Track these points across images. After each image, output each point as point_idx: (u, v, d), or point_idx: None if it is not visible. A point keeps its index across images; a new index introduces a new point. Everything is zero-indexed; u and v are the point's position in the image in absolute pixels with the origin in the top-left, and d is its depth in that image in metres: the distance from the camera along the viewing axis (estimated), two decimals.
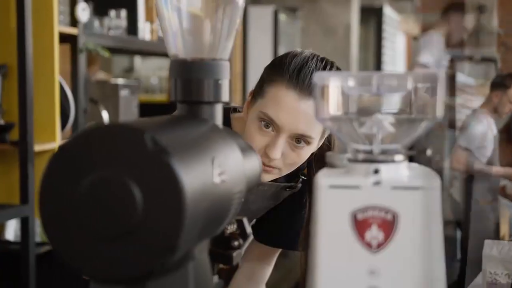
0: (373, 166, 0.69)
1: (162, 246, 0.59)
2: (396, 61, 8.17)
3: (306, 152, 1.26)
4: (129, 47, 3.15)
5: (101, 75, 4.07)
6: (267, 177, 1.28)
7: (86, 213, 0.61)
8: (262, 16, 5.06)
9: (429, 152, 4.53)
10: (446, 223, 4.77)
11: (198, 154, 0.67)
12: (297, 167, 1.31)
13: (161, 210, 0.60)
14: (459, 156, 4.19)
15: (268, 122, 1.23)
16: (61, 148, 0.63)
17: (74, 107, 2.58)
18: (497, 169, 4.28)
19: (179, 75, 0.80)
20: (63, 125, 2.55)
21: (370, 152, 0.71)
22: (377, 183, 0.68)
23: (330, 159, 0.78)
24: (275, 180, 1.34)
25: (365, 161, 0.70)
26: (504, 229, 4.37)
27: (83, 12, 2.59)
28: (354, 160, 0.71)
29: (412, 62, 4.32)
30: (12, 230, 2.54)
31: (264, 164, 1.23)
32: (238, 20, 0.83)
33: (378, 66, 7.19)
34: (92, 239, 0.61)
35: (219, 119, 0.81)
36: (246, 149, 0.86)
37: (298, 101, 1.21)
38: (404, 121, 0.71)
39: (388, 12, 7.27)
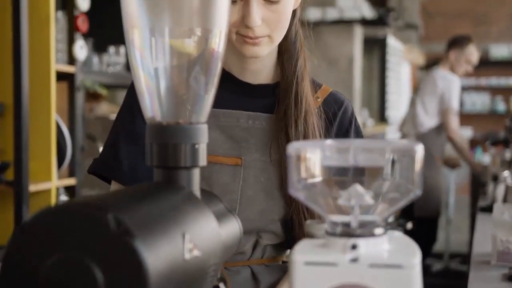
0: (351, 241, 0.66)
1: None
2: (401, 91, 8.16)
3: (286, 5, 1.16)
4: (128, 84, 3.14)
5: (104, 107, 4.06)
6: (260, 50, 1.18)
7: None
8: None
9: None
10: None
11: (167, 231, 0.64)
12: None
13: None
14: (455, 121, 4.29)
15: None
16: (23, 227, 0.60)
17: (71, 145, 2.56)
18: (466, 153, 4.46)
19: (155, 140, 0.77)
20: (60, 164, 2.53)
21: (348, 224, 0.68)
22: (354, 260, 0.65)
23: (308, 229, 0.75)
24: None
25: (343, 235, 0.67)
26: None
27: (81, 50, 2.59)
28: (332, 234, 0.68)
29: (442, 107, 4.31)
30: None
31: (249, 37, 1.15)
32: (216, 80, 0.81)
33: (382, 96, 7.17)
34: None
35: (196, 184, 0.79)
36: (225, 213, 0.84)
37: None
38: (383, 194, 0.68)
39: (392, 42, 7.27)
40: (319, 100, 1.27)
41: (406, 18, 9.41)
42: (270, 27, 1.15)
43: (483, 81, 10.05)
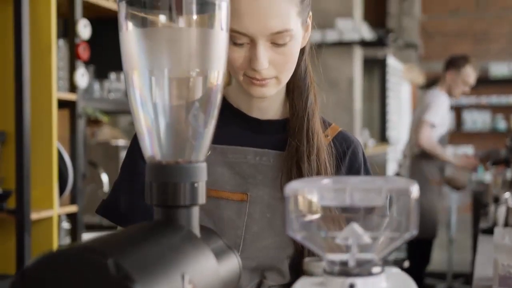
0: (349, 280, 0.67)
1: None
2: (401, 110, 8.19)
3: (293, 47, 1.15)
4: (128, 109, 3.16)
5: (106, 131, 4.08)
6: (268, 91, 1.17)
7: None
8: None
9: None
10: None
11: (166, 273, 0.65)
12: None
13: None
14: (427, 131, 4.23)
15: (237, 37, 1.11)
16: (23, 272, 0.61)
17: (73, 172, 2.57)
18: (446, 156, 4.37)
19: (155, 179, 0.78)
20: (62, 191, 2.54)
21: (346, 263, 0.69)
22: None
23: (307, 267, 0.76)
24: None
25: (340, 274, 0.68)
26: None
27: (82, 77, 2.61)
28: (330, 273, 0.69)
29: (417, 118, 4.36)
30: None
31: (256, 79, 1.14)
32: (214, 121, 0.82)
33: (383, 116, 7.19)
34: None
35: (195, 222, 0.79)
36: (224, 250, 0.84)
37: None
38: (380, 234, 0.69)
39: (392, 62, 7.31)
40: (328, 138, 1.27)
41: (405, 38, 9.46)
42: (277, 69, 1.15)
43: (484, 99, 10.07)
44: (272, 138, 1.26)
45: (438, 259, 6.45)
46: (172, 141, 0.80)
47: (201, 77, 0.80)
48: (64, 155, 2.54)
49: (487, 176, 6.09)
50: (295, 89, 1.26)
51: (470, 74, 4.34)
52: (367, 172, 1.28)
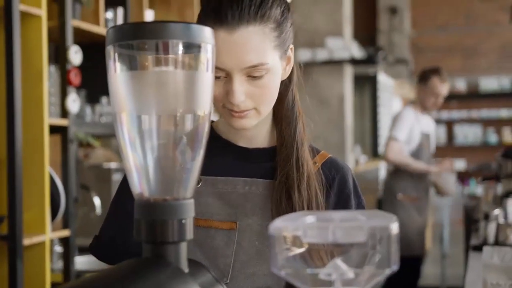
0: None
1: None
2: None
3: (271, 79, 1.16)
4: None
5: (100, 152, 4.09)
6: (248, 122, 1.19)
7: None
8: None
9: None
10: None
11: None
12: None
13: None
14: (393, 146, 4.20)
15: (217, 73, 1.14)
16: None
17: (65, 197, 2.59)
18: (418, 165, 4.29)
19: (143, 216, 0.81)
20: (54, 216, 2.56)
21: None
22: None
23: None
24: None
25: None
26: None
27: (74, 103, 2.63)
28: None
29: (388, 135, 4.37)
30: None
31: (235, 111, 1.16)
32: (200, 158, 0.84)
33: (374, 131, 7.23)
34: None
35: (183, 258, 0.81)
36: (212, 284, 0.86)
37: (229, 34, 1.12)
38: (363, 269, 0.71)
39: (383, 78, 7.37)
40: (316, 165, 1.28)
41: (396, 54, 9.54)
42: (255, 101, 1.17)
43: (475, 113, 10.14)
44: (261, 167, 1.27)
45: (431, 274, 6.46)
46: (160, 179, 0.82)
47: (188, 116, 0.82)
48: (56, 180, 2.55)
49: (479, 189, 6.12)
50: (284, 119, 1.27)
51: (437, 85, 4.25)
52: (358, 198, 1.30)
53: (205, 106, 0.82)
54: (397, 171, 4.31)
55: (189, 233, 0.81)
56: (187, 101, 0.82)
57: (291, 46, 1.24)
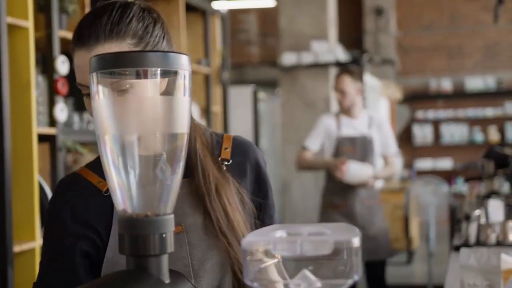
0: None
1: None
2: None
3: (139, 94, 1.12)
4: None
5: (89, 158, 4.13)
6: None
7: None
8: (242, 95, 5.21)
9: None
10: None
11: None
12: None
13: None
14: (299, 154, 4.08)
15: (84, 90, 1.20)
16: None
17: None
18: (319, 159, 4.12)
19: (126, 231, 0.87)
20: (43, 223, 2.61)
21: None
22: None
23: None
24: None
25: None
26: None
27: (61, 112, 2.68)
28: None
29: None
30: None
31: None
32: (179, 176, 0.90)
33: None
34: None
35: (165, 269, 0.88)
36: None
37: (88, 53, 1.18)
38: (329, 280, 0.78)
39: (369, 80, 7.44)
40: (227, 150, 1.33)
41: (382, 54, 9.63)
42: None
43: (461, 112, 10.25)
44: None
45: (418, 272, 6.55)
46: (142, 196, 0.88)
47: (167, 136, 0.89)
48: (45, 188, 2.60)
49: (465, 188, 6.19)
50: None
51: (339, 81, 4.06)
52: (264, 178, 1.37)
53: (183, 126, 0.89)
54: (325, 182, 4.19)
55: (170, 246, 0.87)
56: (166, 123, 0.88)
57: None
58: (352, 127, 4.11)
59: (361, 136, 4.06)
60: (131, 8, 1.22)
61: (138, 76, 0.87)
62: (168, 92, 0.89)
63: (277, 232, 0.80)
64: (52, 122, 2.69)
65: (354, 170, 3.97)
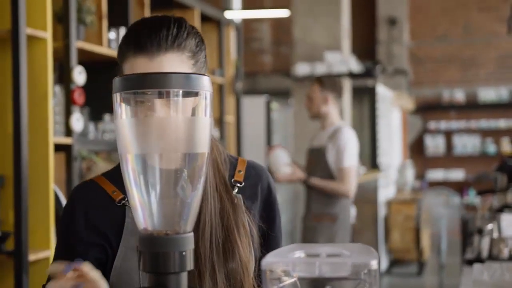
0: None
1: None
2: (392, 137, 8.30)
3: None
4: None
5: (102, 165, 4.15)
6: None
7: None
8: (255, 105, 5.22)
9: None
10: None
11: None
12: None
13: None
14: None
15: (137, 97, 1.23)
16: None
17: None
18: (315, 180, 3.97)
19: (147, 249, 0.88)
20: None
21: None
22: None
23: None
24: None
25: None
26: None
27: (77, 122, 2.71)
28: None
29: None
30: None
31: None
32: (199, 193, 0.91)
33: (373, 143, 7.30)
34: None
35: (184, 286, 0.89)
36: None
37: (149, 61, 1.18)
38: None
39: (381, 90, 7.44)
40: (241, 173, 1.34)
41: (395, 64, 9.62)
42: None
43: (473, 123, 10.21)
44: None
45: (429, 284, 6.53)
46: (162, 214, 0.90)
47: (188, 156, 0.90)
48: (61, 197, 2.63)
49: (477, 199, 6.17)
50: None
51: (312, 89, 4.05)
52: (273, 202, 1.37)
53: (204, 146, 0.90)
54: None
55: (189, 264, 0.89)
56: (187, 143, 0.90)
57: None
58: (318, 139, 4.09)
59: (316, 148, 4.02)
60: (185, 24, 1.24)
61: (160, 96, 0.89)
62: (190, 112, 0.90)
63: (296, 253, 0.82)
64: (68, 131, 2.72)
65: (274, 158, 4.01)
